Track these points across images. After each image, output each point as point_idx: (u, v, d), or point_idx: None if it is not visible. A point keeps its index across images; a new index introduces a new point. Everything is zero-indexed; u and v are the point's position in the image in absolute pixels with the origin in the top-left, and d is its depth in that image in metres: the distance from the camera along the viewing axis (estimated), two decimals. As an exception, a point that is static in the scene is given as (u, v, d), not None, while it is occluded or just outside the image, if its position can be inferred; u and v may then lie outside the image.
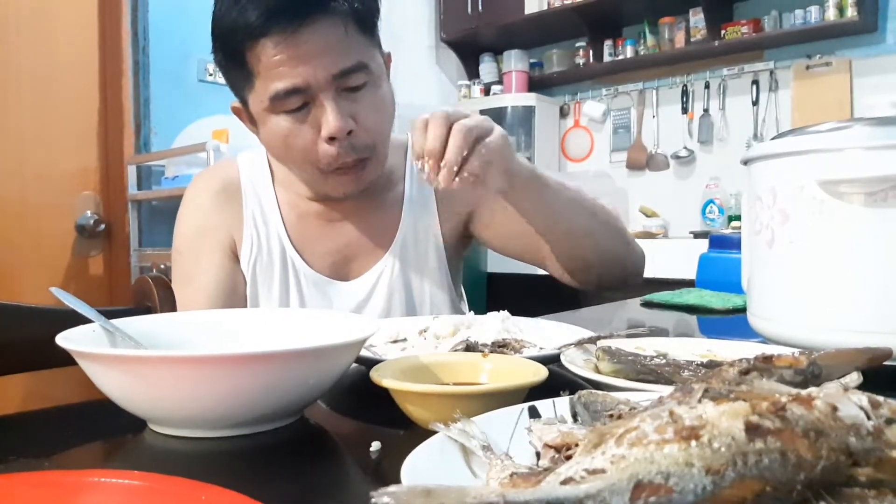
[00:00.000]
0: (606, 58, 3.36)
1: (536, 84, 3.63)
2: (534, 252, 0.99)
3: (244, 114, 0.92)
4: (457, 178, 0.70)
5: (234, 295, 0.97)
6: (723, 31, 3.00)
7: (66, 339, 0.50)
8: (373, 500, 0.24)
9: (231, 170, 1.02)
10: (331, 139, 0.84)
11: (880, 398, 0.28)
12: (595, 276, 0.96)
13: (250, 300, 0.98)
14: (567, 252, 0.94)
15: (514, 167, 0.78)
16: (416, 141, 0.72)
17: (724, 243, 1.48)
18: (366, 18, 0.86)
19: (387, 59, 0.94)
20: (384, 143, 0.92)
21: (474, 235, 1.07)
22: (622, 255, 0.97)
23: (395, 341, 0.75)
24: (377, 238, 1.00)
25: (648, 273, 1.03)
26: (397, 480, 0.30)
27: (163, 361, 0.46)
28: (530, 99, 3.52)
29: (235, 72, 0.85)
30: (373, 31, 0.88)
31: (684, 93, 3.27)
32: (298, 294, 0.97)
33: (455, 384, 0.55)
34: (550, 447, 0.35)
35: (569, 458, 0.32)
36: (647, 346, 0.65)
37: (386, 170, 1.00)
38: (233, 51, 0.83)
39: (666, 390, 0.38)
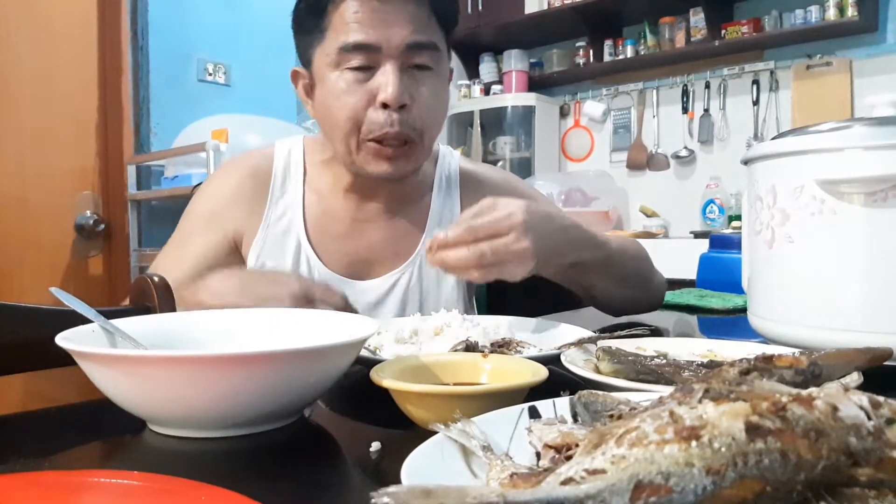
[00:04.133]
0: (606, 58, 3.36)
1: (536, 84, 3.63)
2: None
3: (301, 79, 0.93)
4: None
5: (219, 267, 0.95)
6: (723, 31, 3.00)
7: (66, 339, 0.50)
8: (373, 500, 0.24)
9: (265, 162, 1.01)
10: (384, 106, 0.85)
11: (880, 398, 0.28)
12: (611, 309, 1.00)
13: None
14: (588, 299, 0.98)
15: (548, 271, 0.79)
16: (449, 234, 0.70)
17: (725, 243, 1.48)
18: (446, 16, 0.89)
19: (449, 72, 0.96)
20: (430, 137, 0.92)
21: None
22: (642, 298, 1.00)
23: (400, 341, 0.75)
24: (399, 245, 1.00)
25: (648, 273, 1.03)
26: (397, 480, 0.30)
27: (163, 361, 0.46)
28: (530, 99, 3.52)
29: (311, 23, 0.87)
30: (447, 29, 0.91)
31: (684, 93, 3.27)
32: None
33: (455, 384, 0.55)
34: (550, 447, 0.35)
35: (569, 458, 0.32)
36: (647, 346, 0.65)
37: (419, 176, 1.01)
38: (317, 2, 0.85)
39: (666, 390, 0.38)
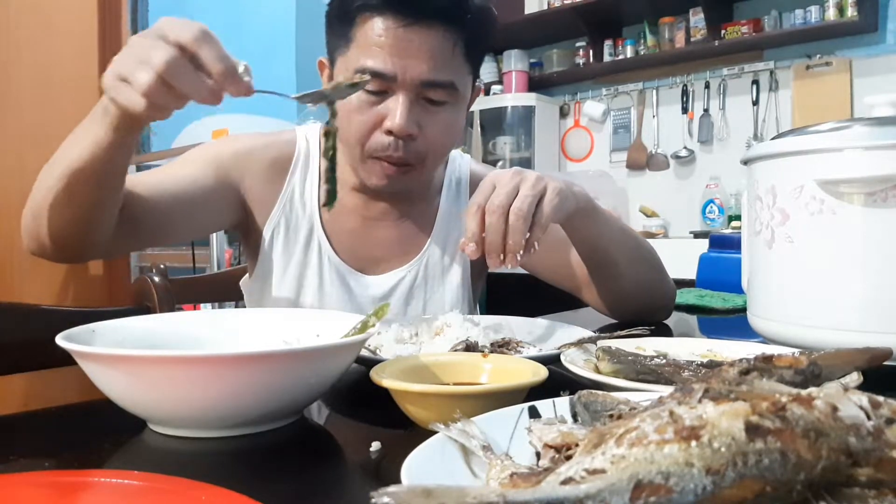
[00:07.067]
0: (606, 58, 3.36)
1: (536, 84, 3.63)
2: (570, 280, 1.00)
3: (326, 71, 0.94)
4: (522, 253, 0.68)
5: (190, 205, 0.88)
6: (723, 31, 3.00)
7: (66, 339, 0.50)
8: (373, 500, 0.24)
9: (290, 143, 1.01)
10: (389, 133, 0.85)
11: (880, 398, 0.28)
12: (629, 307, 0.97)
13: (262, 263, 0.98)
14: (608, 281, 0.95)
15: (570, 207, 0.76)
16: (470, 227, 0.70)
17: (724, 243, 1.48)
18: (477, 46, 0.89)
19: (477, 90, 0.96)
20: (435, 161, 0.93)
21: None
22: (657, 288, 0.98)
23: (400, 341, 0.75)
24: (406, 244, 1.01)
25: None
26: (397, 480, 0.30)
27: (163, 361, 0.46)
28: (530, 99, 3.52)
29: (339, 29, 0.87)
30: (477, 59, 0.91)
31: (684, 93, 3.27)
32: (318, 276, 0.98)
33: (455, 384, 0.55)
34: (550, 447, 0.35)
35: (569, 458, 0.32)
36: (647, 346, 0.65)
37: (427, 180, 1.02)
38: (345, 10, 0.85)
39: (666, 390, 0.38)
